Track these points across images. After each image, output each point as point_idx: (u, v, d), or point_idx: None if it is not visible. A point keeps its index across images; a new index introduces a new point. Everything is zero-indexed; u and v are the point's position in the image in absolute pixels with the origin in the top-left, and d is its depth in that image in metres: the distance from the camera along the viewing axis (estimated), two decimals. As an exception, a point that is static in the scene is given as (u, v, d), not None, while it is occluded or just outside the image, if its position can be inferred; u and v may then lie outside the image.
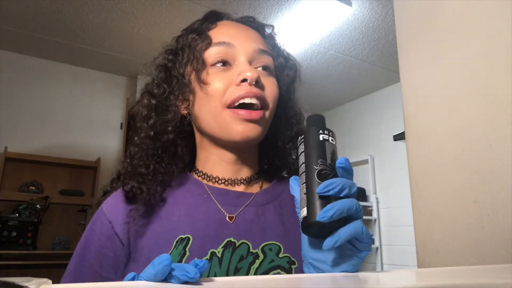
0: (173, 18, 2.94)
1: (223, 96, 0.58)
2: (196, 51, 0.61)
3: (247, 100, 0.57)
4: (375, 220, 4.08)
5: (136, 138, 0.65)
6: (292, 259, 0.58)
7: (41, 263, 2.94)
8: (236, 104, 0.57)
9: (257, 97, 0.58)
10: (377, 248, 4.01)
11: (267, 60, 0.63)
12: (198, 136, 0.66)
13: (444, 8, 0.92)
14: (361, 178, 4.31)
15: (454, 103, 0.87)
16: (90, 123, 3.68)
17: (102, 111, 3.79)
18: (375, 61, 3.62)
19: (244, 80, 0.57)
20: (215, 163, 0.63)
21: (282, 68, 0.69)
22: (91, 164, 3.49)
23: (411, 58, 1.00)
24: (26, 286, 0.23)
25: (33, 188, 3.25)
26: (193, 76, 0.61)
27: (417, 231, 0.91)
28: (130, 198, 0.60)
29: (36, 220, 3.08)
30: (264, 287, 0.36)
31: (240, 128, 0.57)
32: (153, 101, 0.64)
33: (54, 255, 3.09)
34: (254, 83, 0.57)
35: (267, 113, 0.60)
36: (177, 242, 0.56)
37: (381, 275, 0.45)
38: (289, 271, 0.56)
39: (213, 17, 0.67)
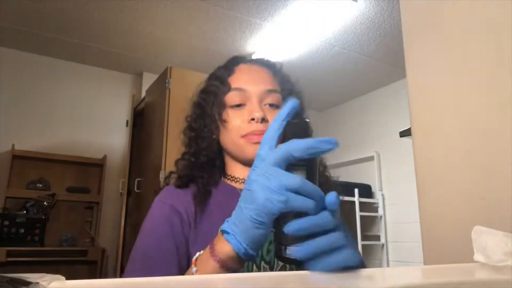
0: (178, 16, 2.95)
1: (239, 130, 0.77)
2: (218, 96, 0.81)
3: (256, 135, 0.75)
4: (381, 217, 4.07)
5: (183, 159, 0.84)
6: None
7: (49, 260, 2.97)
8: (249, 135, 0.76)
9: (263, 132, 0.69)
10: (383, 245, 4.00)
11: (274, 97, 0.80)
12: (226, 152, 0.84)
13: (450, 3, 0.92)
14: (366, 175, 4.30)
15: (461, 99, 0.86)
16: (96, 120, 3.70)
17: (107, 108, 3.81)
18: (381, 57, 3.61)
19: (253, 119, 0.76)
20: (240, 168, 0.81)
21: (290, 94, 0.83)
22: (97, 162, 3.52)
23: (417, 53, 0.99)
24: (38, 283, 0.23)
25: (40, 185, 3.28)
26: (217, 115, 0.80)
27: (423, 228, 0.91)
28: (192, 194, 0.77)
29: (43, 217, 3.11)
30: (264, 286, 0.36)
31: (252, 150, 0.75)
32: (192, 133, 0.84)
33: (62, 252, 3.12)
34: (260, 121, 0.76)
35: None
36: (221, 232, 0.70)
37: (387, 271, 0.45)
38: None
39: (232, 63, 0.86)
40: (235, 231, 0.45)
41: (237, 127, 0.77)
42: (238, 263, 0.48)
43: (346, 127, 4.74)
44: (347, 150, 4.63)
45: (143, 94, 3.55)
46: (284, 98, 0.80)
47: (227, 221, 0.47)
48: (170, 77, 2.74)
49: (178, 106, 2.57)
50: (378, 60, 3.66)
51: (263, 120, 0.76)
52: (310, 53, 3.53)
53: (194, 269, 0.51)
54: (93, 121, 3.69)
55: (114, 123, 3.79)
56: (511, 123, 0.76)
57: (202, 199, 0.76)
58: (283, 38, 3.27)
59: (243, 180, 0.81)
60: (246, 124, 0.77)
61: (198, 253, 0.52)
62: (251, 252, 0.46)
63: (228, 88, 0.80)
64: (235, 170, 0.82)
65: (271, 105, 0.79)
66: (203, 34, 3.21)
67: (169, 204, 0.75)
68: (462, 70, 0.87)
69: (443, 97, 0.91)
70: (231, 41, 3.32)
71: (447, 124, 0.89)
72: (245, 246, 0.45)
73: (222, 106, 0.80)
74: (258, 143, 0.71)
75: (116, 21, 3.04)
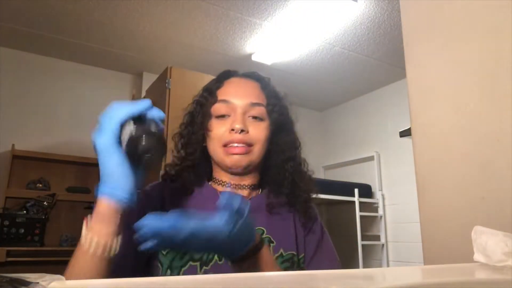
0: (178, 16, 2.95)
1: (221, 139, 0.84)
2: (206, 107, 0.88)
3: (234, 145, 0.83)
4: (381, 216, 4.07)
5: (173, 158, 0.93)
6: (272, 239, 0.82)
7: (49, 260, 2.97)
8: (229, 145, 0.84)
9: (242, 142, 0.83)
10: (383, 245, 4.00)
11: (258, 110, 0.86)
12: (211, 158, 0.92)
13: (450, 3, 0.92)
14: (367, 175, 4.30)
15: (461, 99, 0.86)
16: (96, 120, 3.69)
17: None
18: (381, 57, 3.61)
19: (233, 129, 0.83)
20: (223, 173, 0.89)
21: (273, 110, 0.89)
22: (97, 162, 3.50)
23: (417, 53, 0.99)
24: (38, 283, 0.23)
25: (40, 185, 3.27)
26: (203, 125, 0.88)
27: (424, 228, 0.91)
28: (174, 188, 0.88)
29: (43, 217, 3.11)
30: (263, 286, 0.36)
31: (228, 160, 0.84)
32: (181, 140, 0.92)
33: (61, 252, 3.12)
34: (239, 132, 0.83)
35: (255, 148, 0.85)
36: None
37: (387, 271, 0.45)
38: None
39: (223, 77, 0.93)
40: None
41: (219, 136, 0.85)
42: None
43: (346, 127, 4.74)
44: (347, 150, 4.63)
45: (143, 94, 3.55)
46: (269, 112, 0.88)
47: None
48: (170, 77, 2.74)
49: (178, 106, 2.56)
50: (378, 60, 3.66)
51: (242, 131, 0.83)
52: (310, 53, 3.53)
53: (84, 232, 0.60)
54: (93, 121, 3.65)
55: (114, 123, 3.79)
56: (511, 123, 0.76)
57: (180, 201, 0.85)
58: (283, 38, 3.27)
59: (222, 183, 0.90)
60: (227, 134, 0.84)
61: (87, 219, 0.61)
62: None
63: (215, 100, 0.88)
64: (220, 174, 0.90)
65: (254, 117, 0.86)
66: (203, 34, 3.21)
67: (145, 191, 0.85)
68: (462, 70, 0.87)
69: (443, 96, 0.91)
70: (231, 41, 3.32)
71: (447, 124, 0.89)
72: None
73: (208, 116, 0.88)
74: (235, 154, 0.83)
75: (116, 21, 3.04)
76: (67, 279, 0.30)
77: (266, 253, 0.65)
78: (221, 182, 0.89)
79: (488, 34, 0.83)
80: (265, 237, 0.82)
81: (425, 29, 0.98)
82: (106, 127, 0.63)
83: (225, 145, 0.84)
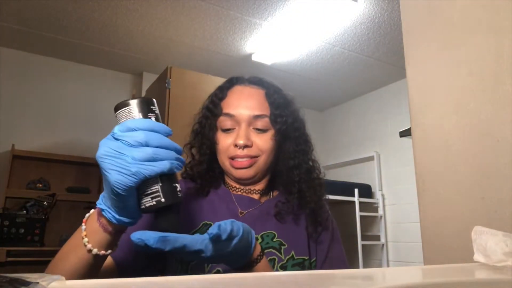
0: (178, 15, 2.95)
1: (227, 151, 0.87)
2: (211, 120, 0.90)
3: (239, 159, 0.86)
4: (381, 216, 4.07)
5: (190, 162, 0.96)
6: (283, 242, 0.83)
7: (49, 260, 2.95)
8: (235, 158, 0.86)
9: (246, 156, 0.85)
10: (383, 245, 4.00)
11: (261, 122, 0.87)
12: None
13: (450, 3, 0.92)
14: (366, 175, 4.30)
15: (461, 99, 0.86)
16: (96, 120, 3.70)
17: (108, 108, 3.80)
18: (381, 57, 3.61)
19: (236, 145, 0.85)
20: (234, 181, 0.92)
21: (276, 120, 0.89)
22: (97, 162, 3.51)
23: (417, 53, 0.99)
24: (38, 283, 0.23)
25: (40, 185, 3.28)
26: (211, 137, 0.90)
27: (423, 228, 0.91)
28: (193, 188, 0.90)
29: (43, 217, 3.11)
30: (265, 286, 0.36)
31: (235, 172, 0.87)
32: (193, 148, 0.95)
33: (62, 252, 3.12)
34: (242, 148, 0.84)
35: (261, 158, 0.87)
36: (202, 225, 0.84)
37: (387, 271, 0.45)
38: (279, 250, 0.82)
39: (227, 86, 0.93)
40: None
41: (225, 149, 0.87)
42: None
43: (346, 127, 4.74)
44: (347, 150, 4.63)
45: (143, 94, 3.55)
46: (272, 122, 0.88)
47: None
48: (170, 77, 2.74)
49: (178, 106, 2.57)
50: (378, 60, 3.66)
51: (246, 146, 0.85)
52: (310, 53, 3.53)
53: (83, 227, 0.59)
54: (93, 121, 3.68)
55: (114, 123, 3.78)
56: (511, 123, 0.76)
57: (195, 199, 0.88)
58: (283, 38, 3.27)
59: (235, 188, 0.92)
60: (232, 148, 0.86)
61: (88, 214, 0.61)
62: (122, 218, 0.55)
63: (220, 112, 0.89)
64: (230, 180, 0.93)
65: (258, 129, 0.87)
66: (203, 34, 3.21)
67: None
68: (462, 70, 0.87)
69: (444, 96, 0.91)
70: (231, 41, 3.32)
71: (447, 124, 0.89)
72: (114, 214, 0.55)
73: (215, 128, 0.89)
74: (240, 168, 0.86)
75: (116, 21, 3.04)
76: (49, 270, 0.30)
77: (264, 265, 0.66)
78: (232, 187, 0.92)
79: (488, 34, 0.83)
80: (276, 240, 0.83)
81: (425, 29, 0.98)
82: (138, 168, 0.52)
83: (231, 158, 0.86)
